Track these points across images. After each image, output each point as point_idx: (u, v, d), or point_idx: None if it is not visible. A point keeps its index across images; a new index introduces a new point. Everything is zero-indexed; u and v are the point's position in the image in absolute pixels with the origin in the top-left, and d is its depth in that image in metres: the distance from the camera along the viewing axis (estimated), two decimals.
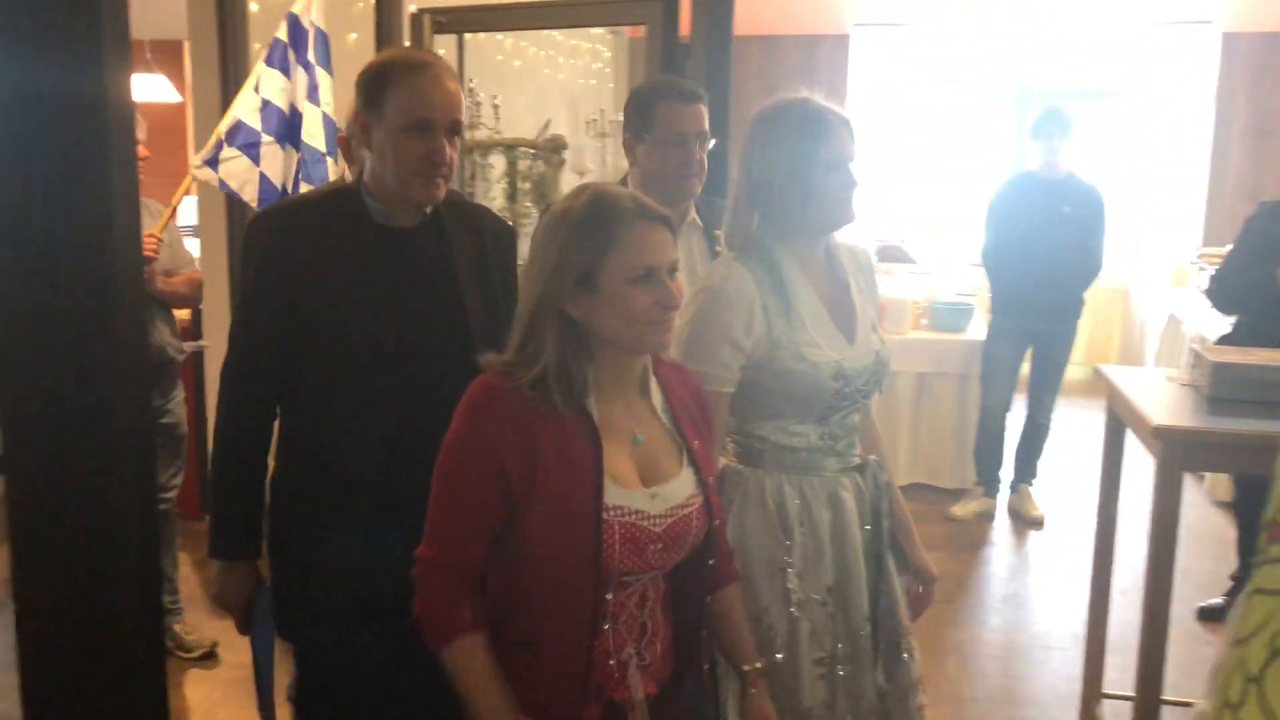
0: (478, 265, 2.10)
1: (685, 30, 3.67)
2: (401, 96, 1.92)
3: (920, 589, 2.25)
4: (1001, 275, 5.14)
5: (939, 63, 8.09)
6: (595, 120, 7.56)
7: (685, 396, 1.77)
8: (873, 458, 2.15)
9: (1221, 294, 3.95)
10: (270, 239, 2.01)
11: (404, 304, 2.00)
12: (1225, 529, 4.94)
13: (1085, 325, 7.76)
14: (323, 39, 3.56)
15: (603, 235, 1.56)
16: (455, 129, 1.97)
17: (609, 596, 1.61)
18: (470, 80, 5.37)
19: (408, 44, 3.84)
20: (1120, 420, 2.88)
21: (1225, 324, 4.18)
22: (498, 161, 5.27)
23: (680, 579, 1.73)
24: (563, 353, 1.59)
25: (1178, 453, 2.40)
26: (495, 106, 5.64)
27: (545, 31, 6.44)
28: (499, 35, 6.04)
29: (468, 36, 4.53)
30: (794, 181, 1.96)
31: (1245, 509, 4.20)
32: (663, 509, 1.64)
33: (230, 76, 3.99)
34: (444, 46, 4.31)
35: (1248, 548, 4.14)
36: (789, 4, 8.12)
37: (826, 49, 8.28)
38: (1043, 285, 4.98)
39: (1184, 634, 4.01)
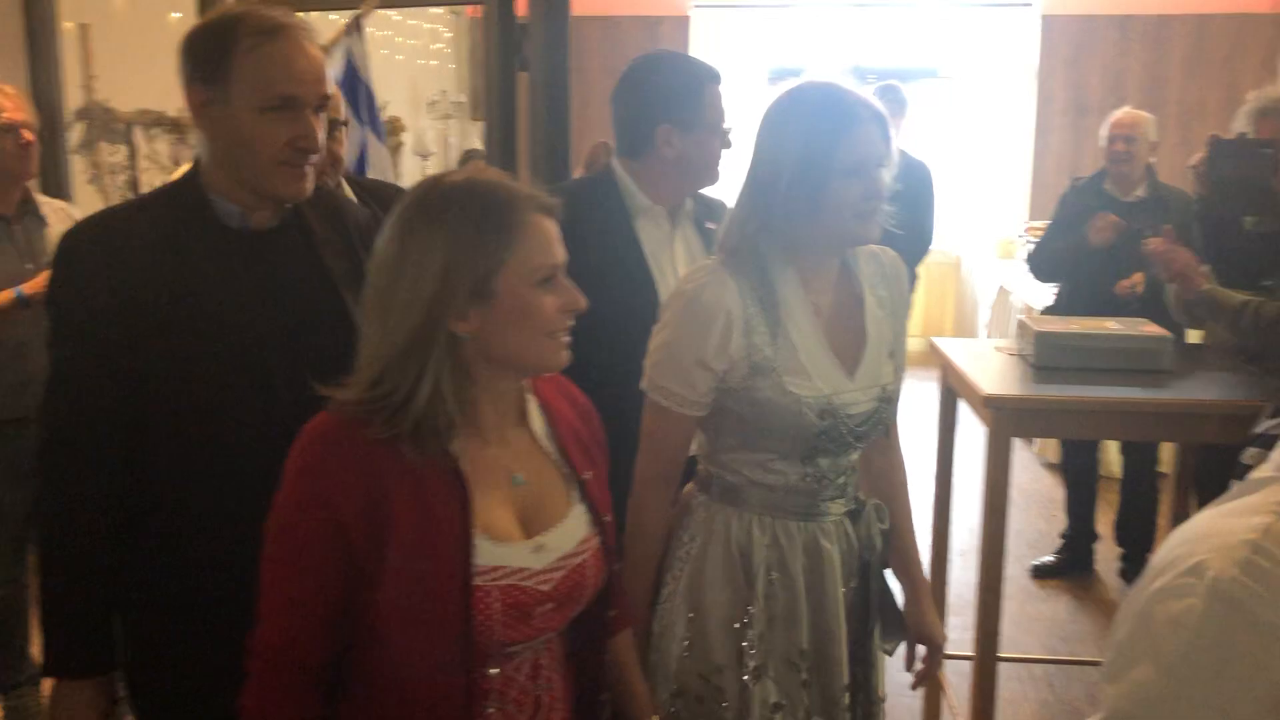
0: (351, 267, 1.74)
1: (524, 10, 3.62)
2: (255, 67, 1.54)
3: (924, 657, 1.94)
4: None
5: (777, 44, 8.22)
6: (437, 102, 7.43)
7: (571, 416, 1.50)
8: (874, 502, 1.83)
9: (1040, 265, 4.18)
10: (91, 264, 1.57)
11: (284, 324, 1.63)
12: (1055, 490, 5.19)
13: (921, 299, 8.06)
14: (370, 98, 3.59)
15: (501, 233, 1.29)
16: (324, 106, 1.62)
17: (493, 671, 1.34)
18: None
19: None
20: (953, 390, 2.99)
21: (1049, 294, 4.40)
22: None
23: (578, 633, 1.47)
24: (440, 379, 1.29)
25: (1007, 420, 2.51)
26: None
27: (382, 11, 6.29)
28: (332, 15, 5.87)
29: (298, 17, 4.38)
30: (803, 185, 1.62)
31: (1072, 470, 4.43)
32: (550, 561, 1.37)
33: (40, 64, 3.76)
34: None
35: (1075, 507, 4.38)
36: None
37: (668, 30, 8.33)
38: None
39: (1019, 591, 4.21)
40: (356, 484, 1.27)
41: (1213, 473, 3.02)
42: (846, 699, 1.75)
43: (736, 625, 1.70)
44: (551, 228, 1.35)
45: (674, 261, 2.23)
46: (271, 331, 1.61)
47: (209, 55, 1.56)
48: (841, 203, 1.61)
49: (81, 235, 1.62)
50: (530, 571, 1.34)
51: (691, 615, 1.72)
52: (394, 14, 6.64)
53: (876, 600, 1.81)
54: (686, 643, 1.72)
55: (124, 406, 1.57)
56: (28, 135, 2.92)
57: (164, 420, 1.58)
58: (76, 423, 1.58)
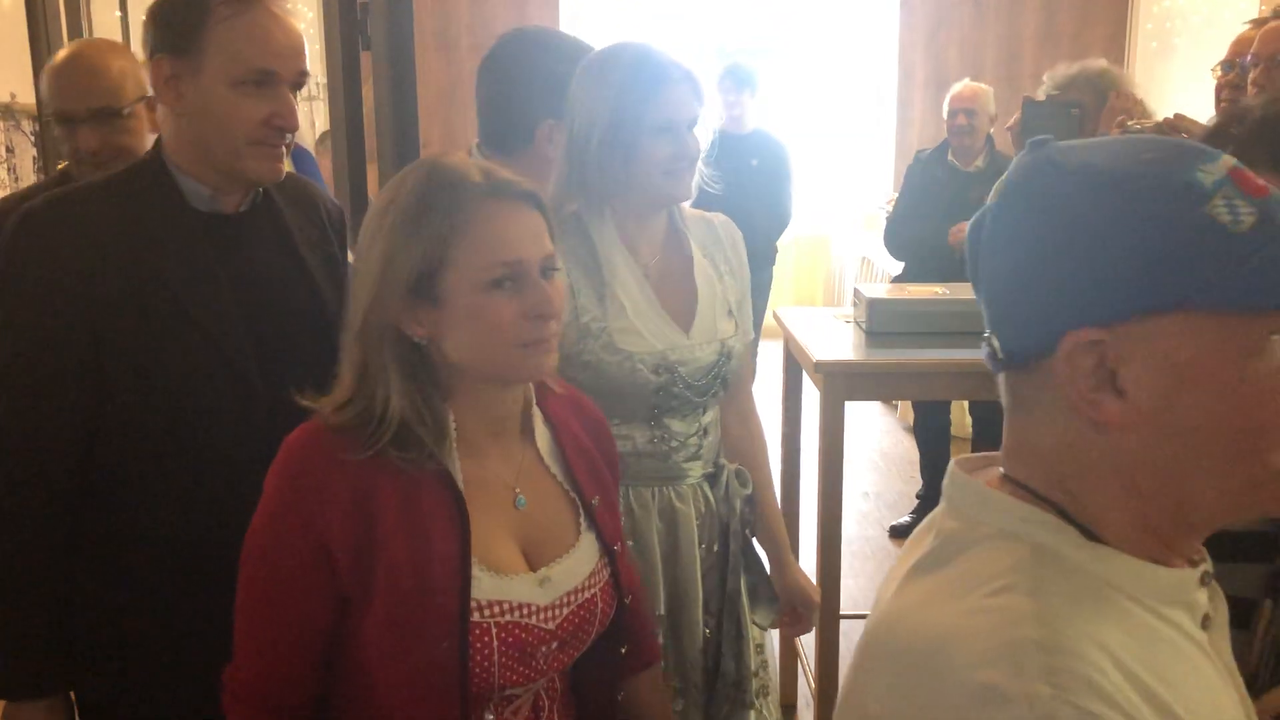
0: (324, 256, 1.67)
1: None
2: (230, 39, 1.44)
3: (792, 614, 1.96)
4: None
5: (644, 19, 8.25)
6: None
7: (580, 433, 1.37)
8: (734, 466, 1.84)
9: (892, 242, 4.33)
10: (44, 250, 1.44)
11: (255, 314, 1.53)
12: (914, 452, 5.37)
13: (790, 272, 8.22)
14: None
15: (440, 223, 1.15)
16: (301, 83, 1.52)
17: (489, 718, 1.22)
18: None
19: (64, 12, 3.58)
20: (795, 358, 3.08)
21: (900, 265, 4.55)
22: None
23: (582, 671, 1.34)
24: (407, 389, 1.17)
25: (839, 384, 2.60)
26: None
27: None
28: None
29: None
30: (613, 144, 1.65)
31: (923, 432, 4.59)
32: (556, 596, 1.24)
33: None
34: (112, 10, 4.04)
35: (929, 467, 4.54)
36: None
37: (536, 6, 8.29)
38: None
39: (878, 551, 4.35)
40: (343, 501, 1.15)
41: None
42: (702, 660, 1.75)
43: None
44: (515, 216, 1.19)
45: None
46: (244, 321, 1.51)
47: (179, 25, 1.46)
48: (651, 160, 1.65)
49: (34, 218, 1.48)
50: (534, 608, 1.21)
51: None
52: None
53: (738, 564, 1.79)
54: None
55: (81, 405, 1.45)
56: None
57: (127, 420, 1.47)
58: (26, 424, 1.45)
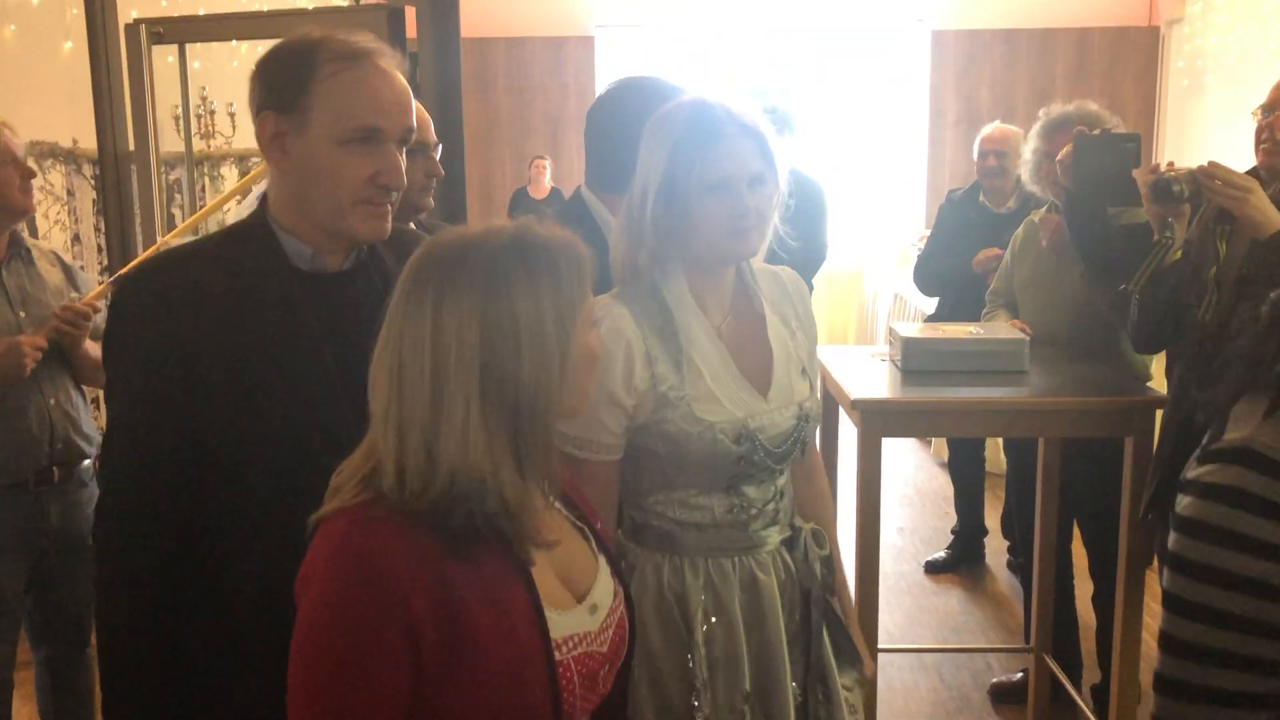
0: None
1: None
2: (337, 95, 1.41)
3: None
4: None
5: (678, 62, 8.40)
6: None
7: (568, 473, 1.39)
8: (810, 526, 1.77)
9: (923, 279, 4.37)
10: (156, 310, 1.43)
11: (355, 378, 1.39)
12: (949, 488, 5.39)
13: (824, 307, 8.29)
14: None
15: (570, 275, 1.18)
16: (408, 139, 1.48)
17: None
18: (203, 88, 5.22)
19: (125, 56, 3.72)
20: (832, 396, 3.15)
21: (933, 302, 4.60)
22: (229, 174, 5.14)
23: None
24: (488, 442, 1.12)
25: (875, 421, 2.65)
26: (231, 115, 5.51)
27: None
28: (233, 40, 5.89)
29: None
30: (670, 202, 1.59)
31: (958, 468, 4.63)
32: (602, 619, 1.27)
33: None
34: (164, 59, 4.19)
35: (963, 504, 4.57)
36: (535, 6, 8.27)
37: (572, 50, 8.47)
38: None
39: (914, 587, 4.39)
40: (422, 578, 1.09)
41: (1080, 464, 3.21)
42: None
43: (680, 679, 1.63)
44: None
45: None
46: (344, 385, 1.43)
47: (285, 82, 1.42)
48: (708, 219, 1.58)
49: (138, 280, 1.49)
50: (592, 635, 1.25)
51: (638, 672, 1.62)
52: None
53: (821, 629, 1.72)
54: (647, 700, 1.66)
55: (181, 466, 1.43)
56: (33, 165, 2.64)
57: (227, 481, 1.44)
58: (130, 486, 1.45)
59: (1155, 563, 3.24)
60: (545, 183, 8.06)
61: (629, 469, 1.67)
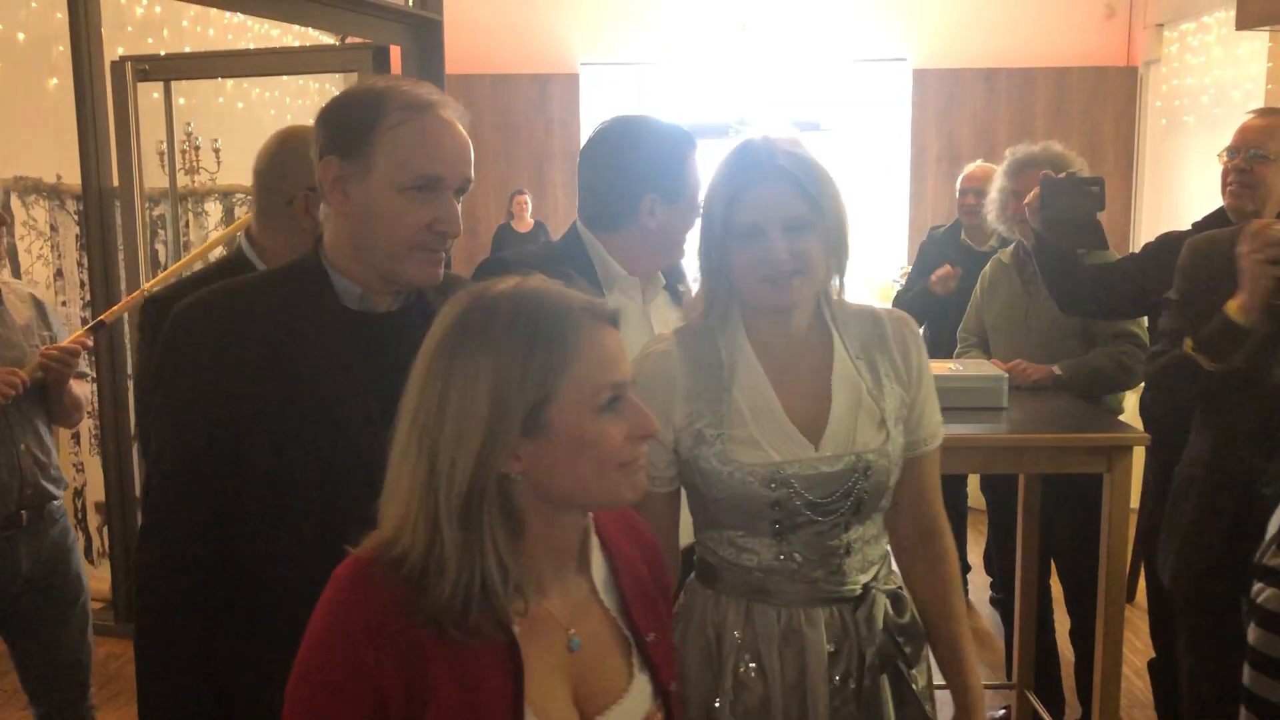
0: None
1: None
2: (402, 143, 1.44)
3: None
4: None
5: (663, 99, 8.47)
6: None
7: (636, 560, 1.28)
8: (886, 589, 1.62)
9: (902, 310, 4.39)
10: (210, 335, 1.47)
11: (394, 412, 1.40)
12: None
13: None
14: None
15: (553, 351, 1.08)
16: (465, 189, 1.50)
17: None
18: (188, 124, 5.24)
19: (110, 93, 3.73)
20: None
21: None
22: (214, 209, 5.14)
23: None
24: (499, 543, 1.08)
25: None
26: (216, 150, 5.52)
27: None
28: (219, 78, 5.92)
29: (180, 81, 4.44)
30: (709, 249, 1.58)
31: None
32: None
33: None
34: (150, 95, 4.21)
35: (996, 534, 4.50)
36: (520, 44, 8.34)
37: (558, 87, 8.52)
38: None
39: None
40: (397, 650, 1.06)
41: (1059, 500, 3.22)
42: None
43: (704, 717, 1.57)
44: (612, 338, 1.14)
45: (651, 333, 2.08)
46: (386, 424, 1.37)
47: (352, 128, 1.46)
48: (742, 267, 1.54)
49: (192, 313, 1.51)
50: None
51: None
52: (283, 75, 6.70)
53: (879, 702, 1.57)
54: None
55: (223, 500, 1.46)
56: (15, 201, 2.69)
57: (262, 518, 1.46)
58: (172, 516, 1.48)
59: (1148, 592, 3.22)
60: (528, 217, 8.11)
61: (691, 507, 1.66)
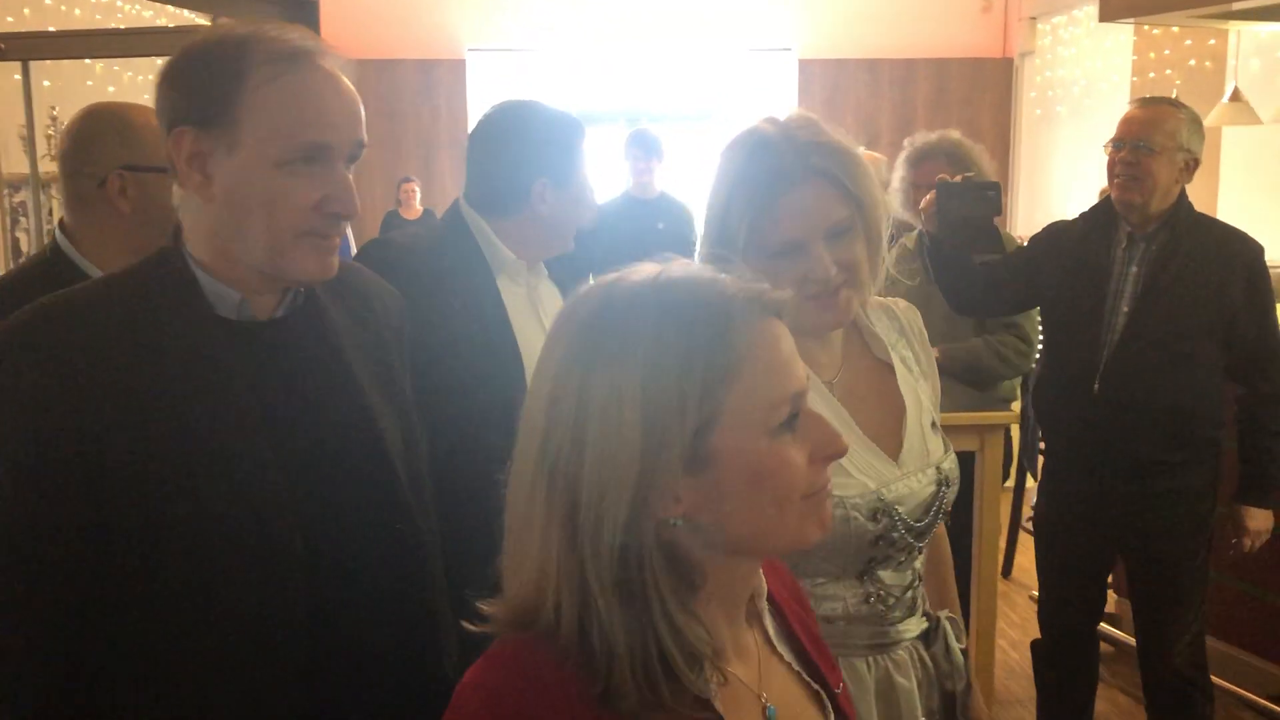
0: (381, 371, 1.33)
1: None
2: (275, 105, 1.14)
3: None
4: None
5: (553, 87, 8.42)
6: None
7: (792, 601, 1.09)
8: (946, 615, 1.49)
9: None
10: (45, 375, 1.12)
11: (292, 450, 1.21)
12: None
13: None
14: None
15: (716, 358, 0.84)
16: (358, 155, 1.22)
17: None
18: (53, 109, 5.03)
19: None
20: None
21: None
22: None
23: None
24: (668, 610, 0.84)
25: None
26: None
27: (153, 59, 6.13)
28: (88, 59, 5.69)
29: (45, 62, 4.25)
30: (748, 261, 1.27)
31: None
32: None
33: None
34: (10, 76, 4.03)
35: None
36: (405, 29, 8.19)
37: (444, 73, 8.40)
38: None
39: None
40: None
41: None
42: None
43: None
44: (785, 338, 0.90)
45: (538, 320, 2.04)
46: (278, 459, 1.18)
47: (207, 90, 1.14)
48: (786, 284, 1.29)
49: (13, 337, 1.15)
50: None
51: None
52: (159, 59, 6.47)
53: None
54: None
55: (74, 576, 1.12)
56: None
57: (130, 600, 1.14)
58: (7, 606, 1.13)
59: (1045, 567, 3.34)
60: (416, 205, 8.00)
61: None
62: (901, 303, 1.55)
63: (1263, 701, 3.19)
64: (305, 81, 1.16)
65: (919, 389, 1.47)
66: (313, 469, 1.22)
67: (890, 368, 1.46)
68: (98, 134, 1.83)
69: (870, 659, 1.38)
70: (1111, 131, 2.63)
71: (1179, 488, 2.57)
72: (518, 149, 2.00)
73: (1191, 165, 2.57)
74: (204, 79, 1.15)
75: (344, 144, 1.19)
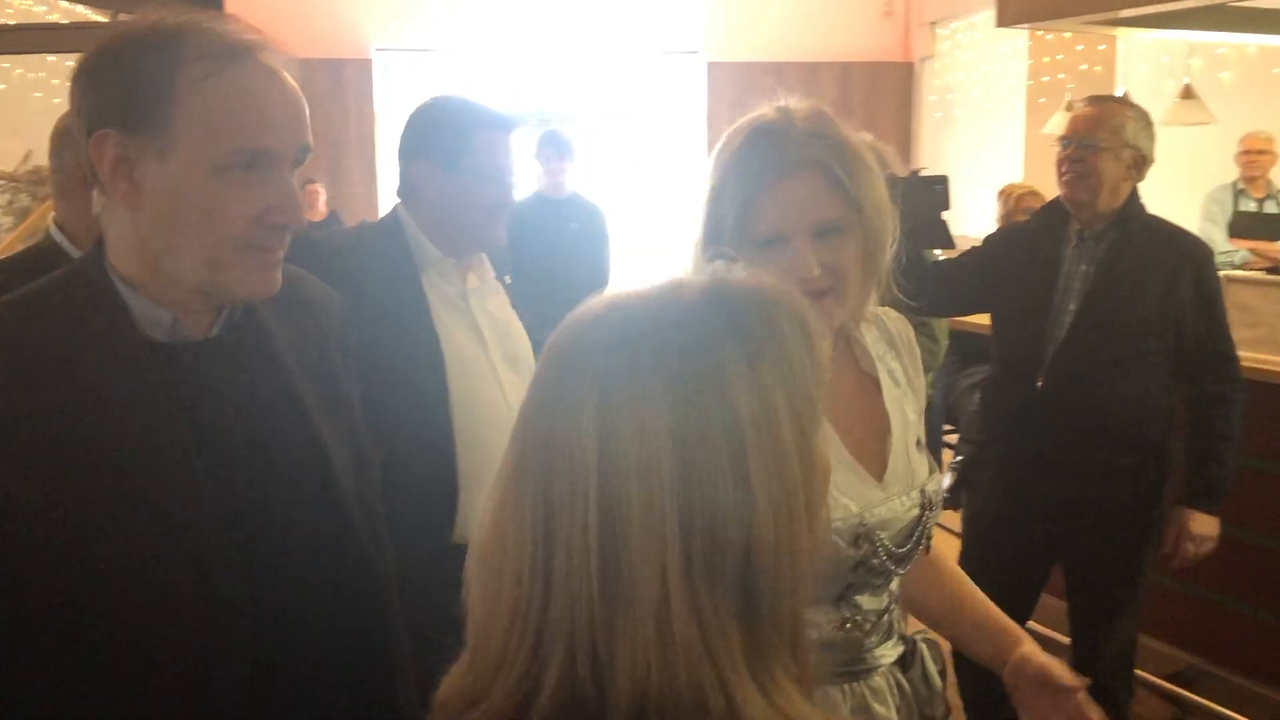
0: (328, 391, 1.22)
1: None
2: (210, 107, 1.03)
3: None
4: (523, 290, 5.48)
5: (463, 88, 8.38)
6: None
7: None
8: (922, 638, 1.42)
9: None
10: None
11: (231, 485, 1.09)
12: None
13: None
14: None
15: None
16: (302, 160, 1.12)
17: None
18: None
19: None
20: None
21: None
22: None
23: None
24: (710, 644, 0.69)
25: None
26: None
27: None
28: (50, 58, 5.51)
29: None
30: (739, 246, 1.20)
31: None
32: None
33: None
34: None
35: None
36: (310, 28, 8.07)
37: (351, 73, 8.30)
38: (557, 296, 5.36)
39: None
40: None
41: None
42: None
43: None
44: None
45: (472, 322, 2.03)
46: (216, 496, 1.07)
47: (134, 89, 1.03)
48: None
49: None
50: None
51: None
52: (49, 55, 6.27)
53: None
54: None
55: (12, 632, 1.00)
56: None
57: (46, 662, 1.01)
58: None
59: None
60: (320, 207, 7.87)
61: None
62: (892, 313, 1.46)
63: (1160, 681, 3.27)
64: (245, 80, 1.06)
65: (905, 405, 1.38)
66: (256, 506, 1.11)
67: (876, 382, 1.38)
68: (66, 129, 1.92)
69: (846, 686, 1.31)
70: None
71: (1120, 493, 2.54)
72: (407, 135, 2.05)
73: (1140, 163, 2.54)
74: (129, 77, 1.03)
75: (288, 149, 1.09)
